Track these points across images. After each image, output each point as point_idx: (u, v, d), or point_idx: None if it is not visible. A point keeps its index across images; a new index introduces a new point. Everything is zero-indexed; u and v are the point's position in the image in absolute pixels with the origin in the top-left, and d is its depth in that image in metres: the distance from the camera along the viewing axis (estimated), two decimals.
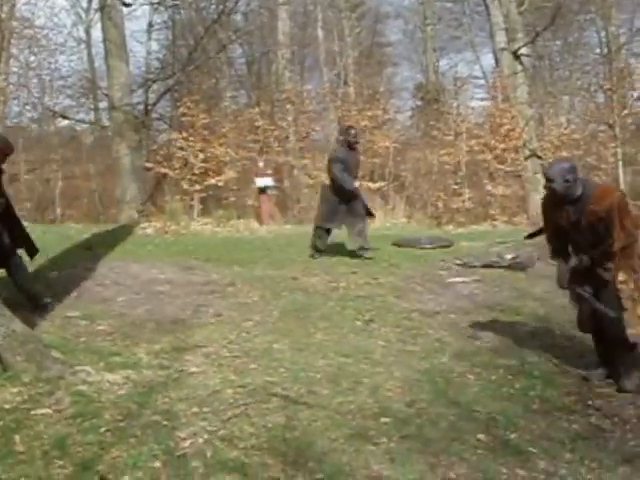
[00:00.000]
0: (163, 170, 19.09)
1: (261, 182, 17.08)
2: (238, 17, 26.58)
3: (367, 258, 10.82)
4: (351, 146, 10.92)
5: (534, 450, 4.54)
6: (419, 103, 31.96)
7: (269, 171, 17.94)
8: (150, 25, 29.76)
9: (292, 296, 8.42)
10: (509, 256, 10.55)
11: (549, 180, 5.59)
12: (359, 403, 5.08)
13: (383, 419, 4.83)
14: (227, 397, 5.06)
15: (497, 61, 23.49)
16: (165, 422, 4.60)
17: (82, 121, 24.81)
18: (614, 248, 5.43)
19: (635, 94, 20.76)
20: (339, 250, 11.55)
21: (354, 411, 4.94)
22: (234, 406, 4.90)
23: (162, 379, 5.37)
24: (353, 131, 11.09)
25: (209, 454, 4.23)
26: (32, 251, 7.49)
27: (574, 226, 5.62)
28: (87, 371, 5.35)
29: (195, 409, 4.82)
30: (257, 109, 20.93)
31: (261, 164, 17.92)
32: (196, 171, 18.48)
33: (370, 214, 11.53)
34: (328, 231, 11.15)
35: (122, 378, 5.31)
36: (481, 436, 4.68)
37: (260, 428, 4.59)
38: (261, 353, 6.10)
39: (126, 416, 4.64)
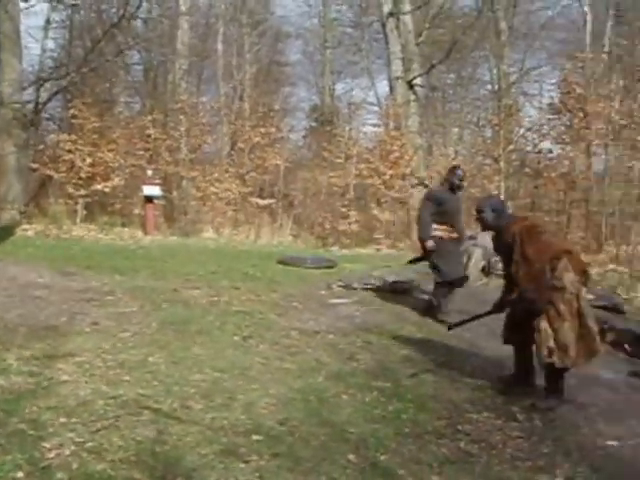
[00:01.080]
0: (49, 172, 18.62)
1: (148, 191, 16.86)
2: (138, 23, 26.22)
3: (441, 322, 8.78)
4: (453, 188, 9.30)
5: (403, 473, 4.59)
6: (313, 124, 32.29)
7: (157, 180, 17.74)
8: (47, 22, 29.05)
9: (172, 308, 8.31)
10: (390, 280, 10.72)
11: (479, 211, 6.47)
12: (232, 419, 5.04)
13: (255, 436, 4.80)
14: (97, 408, 4.95)
15: (392, 89, 23.93)
16: (31, 431, 4.47)
17: None
18: (514, 273, 6.02)
19: (520, 131, 21.47)
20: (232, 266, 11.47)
21: (226, 427, 4.90)
22: (104, 418, 4.79)
23: (31, 387, 5.22)
24: (459, 172, 9.43)
25: (75, 466, 4.11)
26: None
27: (498, 253, 6.61)
28: None
29: (63, 419, 4.70)
30: (150, 117, 20.69)
31: (150, 173, 17.71)
32: (82, 175, 18.09)
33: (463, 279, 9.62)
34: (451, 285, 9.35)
35: None
36: (351, 457, 4.70)
37: (129, 441, 4.50)
38: (136, 365, 5.99)
39: None
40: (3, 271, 9.32)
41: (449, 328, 7.44)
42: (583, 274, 5.99)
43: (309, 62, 37.36)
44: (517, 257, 5.95)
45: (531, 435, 5.49)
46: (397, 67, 23.37)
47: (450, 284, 9.21)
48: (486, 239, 13.16)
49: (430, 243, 9.01)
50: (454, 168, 9.63)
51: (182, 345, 6.76)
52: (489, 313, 6.66)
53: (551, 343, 5.84)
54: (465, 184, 9.91)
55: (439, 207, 9.11)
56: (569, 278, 5.83)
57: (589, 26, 28.19)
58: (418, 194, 21.12)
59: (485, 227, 6.54)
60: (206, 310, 8.41)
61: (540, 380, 6.35)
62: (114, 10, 24.73)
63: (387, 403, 5.80)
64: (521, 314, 6.17)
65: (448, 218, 9.18)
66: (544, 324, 5.88)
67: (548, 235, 6.27)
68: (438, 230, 9.11)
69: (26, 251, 11.34)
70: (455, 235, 9.30)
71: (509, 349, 6.84)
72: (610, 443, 5.49)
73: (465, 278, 9.66)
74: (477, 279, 12.32)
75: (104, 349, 6.36)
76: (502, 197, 19.75)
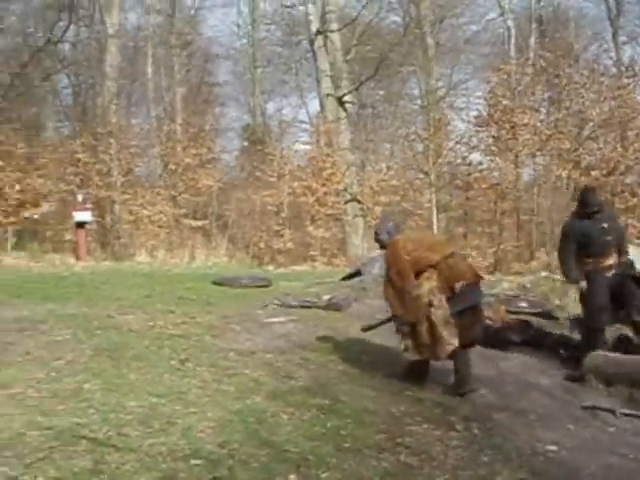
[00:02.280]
0: None
1: (79, 217, 16.64)
2: (66, 46, 26.00)
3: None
4: (589, 215, 8.26)
5: None
6: (245, 144, 32.28)
7: (89, 205, 17.52)
8: None
9: (106, 334, 8.18)
10: (326, 297, 10.75)
11: (376, 233, 7.49)
12: (170, 445, 4.98)
13: (194, 461, 4.75)
14: (32, 440, 4.82)
15: (322, 107, 24.11)
16: None
17: None
18: (384, 294, 7.16)
19: (450, 144, 21.80)
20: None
21: (165, 453, 4.83)
22: (38, 449, 4.68)
23: None
24: (590, 195, 8.42)
25: None
26: None
27: None
28: None
29: None
30: (79, 141, 20.46)
31: (80, 198, 17.48)
32: (11, 202, 17.77)
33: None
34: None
35: None
36: (292, 476, 4.67)
37: (65, 472, 4.40)
38: (70, 394, 5.88)
39: None
40: None
41: (362, 330, 8.11)
42: (449, 281, 6.86)
43: (239, 82, 37.45)
44: (385, 279, 7.14)
45: (471, 444, 5.56)
46: (327, 84, 23.58)
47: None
48: None
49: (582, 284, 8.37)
50: (585, 191, 8.73)
51: (117, 372, 6.65)
52: (388, 320, 7.53)
53: (409, 342, 6.95)
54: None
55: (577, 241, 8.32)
56: (429, 286, 6.79)
57: (513, 39, 28.85)
58: (351, 210, 21.33)
59: (380, 247, 7.54)
60: (141, 335, 8.31)
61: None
62: (40, 34, 24.49)
63: (326, 420, 5.80)
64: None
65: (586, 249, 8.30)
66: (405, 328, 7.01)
67: (421, 251, 6.96)
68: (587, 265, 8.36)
69: None
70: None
71: (446, 361, 6.96)
72: (549, 448, 5.59)
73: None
74: None
75: (38, 379, 6.23)
76: (434, 208, 20.08)
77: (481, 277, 7.42)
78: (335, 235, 20.60)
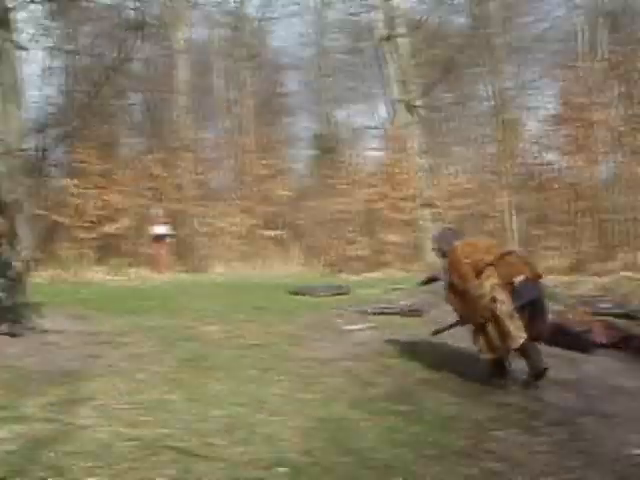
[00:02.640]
0: (56, 217, 18.68)
1: (157, 230, 16.89)
2: (136, 64, 26.42)
3: None
4: None
5: None
6: (316, 153, 32.33)
7: (165, 219, 17.77)
8: (46, 70, 29.32)
9: (187, 346, 8.30)
10: (404, 302, 10.68)
11: (435, 243, 7.91)
12: (254, 453, 4.99)
13: (279, 469, 4.74)
14: (118, 451, 4.89)
15: (392, 112, 24.00)
16: (52, 478, 4.41)
17: None
18: (448, 292, 7.45)
19: (523, 144, 21.48)
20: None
21: (249, 462, 4.84)
22: (125, 460, 4.73)
23: (52, 433, 5.16)
24: None
25: None
26: None
27: None
28: None
29: (84, 464, 4.63)
30: (153, 156, 20.76)
31: (157, 212, 17.74)
32: (90, 218, 18.13)
33: None
34: None
35: (9, 433, 5.09)
36: None
37: None
38: (154, 405, 5.95)
39: (13, 473, 4.42)
40: None
41: (432, 334, 8.19)
42: (508, 278, 7.07)
43: (308, 91, 37.52)
44: (451, 279, 7.36)
45: (556, 449, 5.42)
46: (396, 90, 23.46)
47: None
48: None
49: None
50: None
51: (200, 382, 6.72)
52: (457, 324, 7.68)
53: (482, 341, 7.12)
54: None
55: None
56: (490, 283, 7.01)
57: (583, 36, 28.28)
58: (426, 215, 21.17)
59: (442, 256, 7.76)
60: (221, 345, 8.40)
61: None
62: (111, 53, 24.95)
63: (409, 426, 5.74)
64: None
65: None
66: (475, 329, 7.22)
67: (478, 253, 7.23)
68: None
69: (37, 298, 11.32)
70: None
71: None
72: (636, 452, 5.42)
73: None
74: None
75: (121, 391, 6.33)
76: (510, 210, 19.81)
77: (539, 274, 7.54)
78: (409, 240, 20.45)
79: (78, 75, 26.79)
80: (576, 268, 18.03)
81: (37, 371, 6.94)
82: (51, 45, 25.23)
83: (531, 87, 30.06)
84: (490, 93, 29.76)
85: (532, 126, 23.07)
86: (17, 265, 9.66)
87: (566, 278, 14.82)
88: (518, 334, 6.91)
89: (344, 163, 21.41)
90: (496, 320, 6.95)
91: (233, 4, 31.10)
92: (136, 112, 28.80)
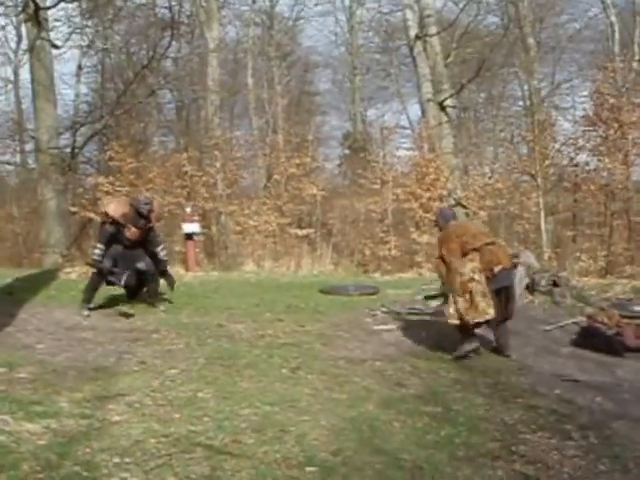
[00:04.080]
0: (88, 214, 18.83)
1: (188, 228, 16.95)
2: (168, 63, 26.60)
3: None
4: None
5: None
6: (347, 152, 32.37)
7: (196, 217, 17.85)
8: (79, 68, 29.68)
9: (217, 343, 8.34)
10: (435, 303, 10.65)
11: (436, 218, 9.23)
12: (284, 452, 5.01)
13: (309, 468, 4.77)
14: (150, 447, 4.94)
15: (423, 112, 23.92)
16: (86, 473, 4.46)
17: (7, 162, 24.40)
18: (438, 261, 8.50)
19: (556, 145, 21.30)
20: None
21: (279, 460, 4.86)
22: (157, 456, 4.78)
23: (83, 429, 5.22)
24: None
25: None
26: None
27: None
28: (6, 420, 5.18)
29: (117, 459, 4.69)
30: (185, 154, 20.86)
31: (188, 210, 17.82)
32: None
33: None
34: None
35: (42, 428, 5.14)
36: None
37: (183, 479, 4.49)
38: (185, 402, 5.99)
39: (45, 467, 4.47)
40: (48, 315, 9.44)
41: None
42: (490, 264, 8.11)
43: (339, 90, 37.66)
44: (440, 251, 8.41)
45: (587, 453, 5.39)
46: (427, 89, 23.38)
47: None
48: (530, 257, 13.13)
49: None
50: None
51: (230, 380, 6.76)
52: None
53: (452, 309, 8.12)
54: None
55: None
56: (471, 265, 8.02)
57: (617, 35, 28.02)
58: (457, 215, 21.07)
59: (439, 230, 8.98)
60: (252, 344, 8.43)
61: None
62: (144, 52, 25.16)
63: (439, 428, 5.74)
64: None
65: None
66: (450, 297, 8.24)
67: (467, 237, 8.25)
68: None
69: (69, 294, 11.39)
70: None
71: (559, 368, 6.81)
72: None
73: None
74: (522, 297, 12.21)
75: (153, 387, 6.38)
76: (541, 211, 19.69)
77: (515, 264, 9.20)
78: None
79: (111, 73, 27.08)
80: (608, 270, 17.87)
81: (69, 367, 7.01)
82: (84, 44, 25.52)
83: (565, 87, 29.98)
84: (523, 93, 29.68)
85: (565, 127, 22.92)
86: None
87: (598, 280, 14.68)
88: (486, 310, 7.95)
89: (375, 162, 21.35)
90: (470, 295, 7.94)
91: (265, 3, 31.30)
92: (168, 110, 29.05)
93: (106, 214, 10.04)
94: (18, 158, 25.96)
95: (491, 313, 8.00)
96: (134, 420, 5.48)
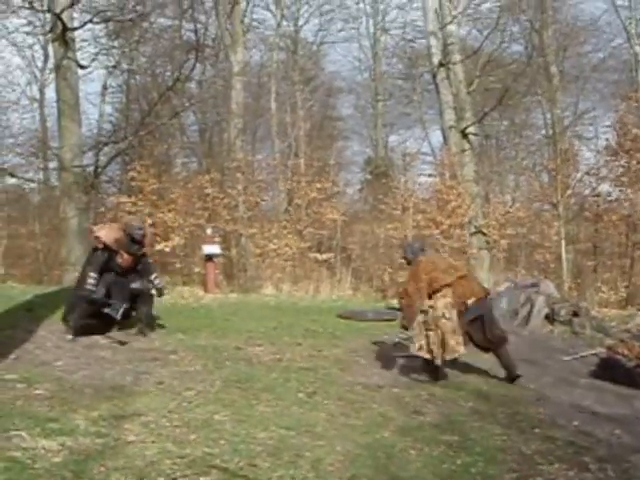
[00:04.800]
0: None
1: (208, 250, 17.01)
2: (192, 85, 26.83)
3: None
4: None
5: None
6: (368, 177, 32.39)
7: (216, 239, 17.91)
8: (104, 88, 29.99)
9: (235, 366, 8.34)
10: None
11: (404, 251, 9.33)
12: (300, 477, 4.99)
13: None
14: (165, 468, 4.93)
15: (445, 139, 23.94)
16: None
17: (30, 180, 24.57)
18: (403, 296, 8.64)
19: (578, 175, 21.25)
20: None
21: None
22: (172, 477, 4.77)
23: (99, 447, 5.22)
24: None
25: None
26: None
27: None
28: (22, 436, 5.20)
29: (131, 479, 4.70)
30: (207, 176, 20.95)
31: (209, 231, 17.89)
32: None
33: None
34: None
35: (58, 445, 5.15)
36: None
37: None
38: (201, 424, 5.99)
39: None
40: (66, 333, 9.46)
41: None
42: (463, 297, 8.37)
43: (361, 115, 37.78)
44: (402, 289, 8.76)
45: None
46: (450, 116, 23.42)
47: None
48: (550, 287, 13.07)
49: None
50: None
51: (247, 403, 6.75)
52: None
53: (419, 343, 8.25)
54: None
55: None
56: (444, 302, 8.20)
57: None
58: (477, 243, 21.03)
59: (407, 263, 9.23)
60: (269, 367, 8.43)
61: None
62: (168, 73, 25.40)
63: (455, 457, 5.70)
64: None
65: None
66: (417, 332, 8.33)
67: (437, 273, 8.42)
68: None
69: None
70: None
71: (578, 399, 6.75)
72: None
73: None
74: (541, 326, 12.17)
75: (170, 408, 6.38)
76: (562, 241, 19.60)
77: (488, 292, 9.06)
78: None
79: (136, 94, 27.34)
80: (629, 301, 17.75)
81: (87, 385, 7.03)
82: (110, 64, 25.80)
83: (587, 117, 29.89)
84: (546, 122, 29.62)
85: (588, 156, 22.84)
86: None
87: (618, 311, 14.59)
88: (456, 348, 8.14)
89: (396, 188, 21.36)
90: (441, 332, 8.11)
91: (290, 28, 31.52)
92: (191, 132, 29.24)
93: (97, 239, 9.72)
94: (41, 175, 26.16)
95: (460, 351, 8.21)
96: (150, 440, 5.48)
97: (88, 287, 9.47)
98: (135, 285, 9.91)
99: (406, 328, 8.55)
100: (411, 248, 9.15)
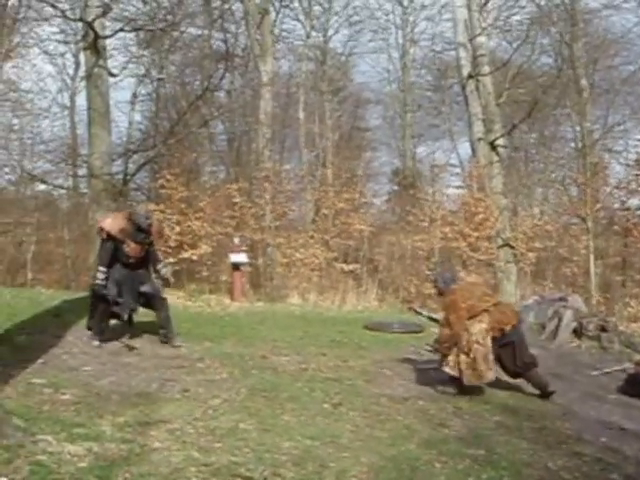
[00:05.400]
0: None
1: (235, 258, 17.06)
2: (221, 94, 26.98)
3: None
4: None
5: None
6: (396, 188, 32.37)
7: (244, 247, 17.95)
8: (134, 96, 30.24)
9: (261, 375, 8.35)
10: None
11: (435, 281, 9.28)
12: None
13: None
14: (190, 475, 4.94)
15: (474, 150, 23.88)
16: None
17: (60, 186, 24.78)
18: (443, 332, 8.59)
19: (607, 189, 21.10)
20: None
21: None
22: None
23: (124, 453, 5.24)
24: None
25: None
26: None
27: None
28: (48, 441, 5.23)
29: None
30: (235, 185, 21.02)
31: (236, 240, 17.94)
32: (171, 243, 18.40)
33: None
34: None
35: (84, 450, 5.17)
36: None
37: None
38: (226, 432, 6.00)
39: None
40: (94, 339, 9.52)
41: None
42: (501, 324, 8.44)
43: (390, 127, 37.78)
44: (446, 319, 8.58)
45: None
46: (478, 128, 23.37)
47: None
48: (578, 301, 12.98)
49: None
50: None
51: (272, 412, 6.76)
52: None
53: (454, 362, 8.33)
54: None
55: None
56: (480, 327, 8.28)
57: None
58: (504, 256, 20.92)
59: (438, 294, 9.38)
60: (295, 377, 8.43)
61: None
62: (198, 82, 25.56)
63: (481, 471, 5.66)
64: None
65: None
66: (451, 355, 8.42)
67: (474, 300, 8.46)
68: None
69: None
70: None
71: (605, 415, 6.69)
72: None
73: None
74: (569, 341, 12.09)
75: (195, 416, 6.39)
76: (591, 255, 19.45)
77: (521, 318, 9.22)
78: (487, 281, 20.19)
79: (165, 102, 27.53)
80: None
81: (113, 391, 7.06)
82: (140, 73, 26.02)
83: (618, 130, 29.68)
84: (575, 135, 29.44)
85: (617, 170, 22.67)
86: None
87: None
88: (485, 374, 8.23)
89: (424, 200, 21.33)
90: (474, 357, 8.19)
91: (319, 38, 31.61)
92: (219, 141, 29.38)
93: (102, 229, 9.51)
94: (71, 182, 26.37)
95: (489, 377, 8.29)
96: (175, 447, 5.50)
97: (97, 282, 9.38)
98: (145, 289, 9.75)
99: (439, 352, 8.67)
100: (443, 278, 9.11)
